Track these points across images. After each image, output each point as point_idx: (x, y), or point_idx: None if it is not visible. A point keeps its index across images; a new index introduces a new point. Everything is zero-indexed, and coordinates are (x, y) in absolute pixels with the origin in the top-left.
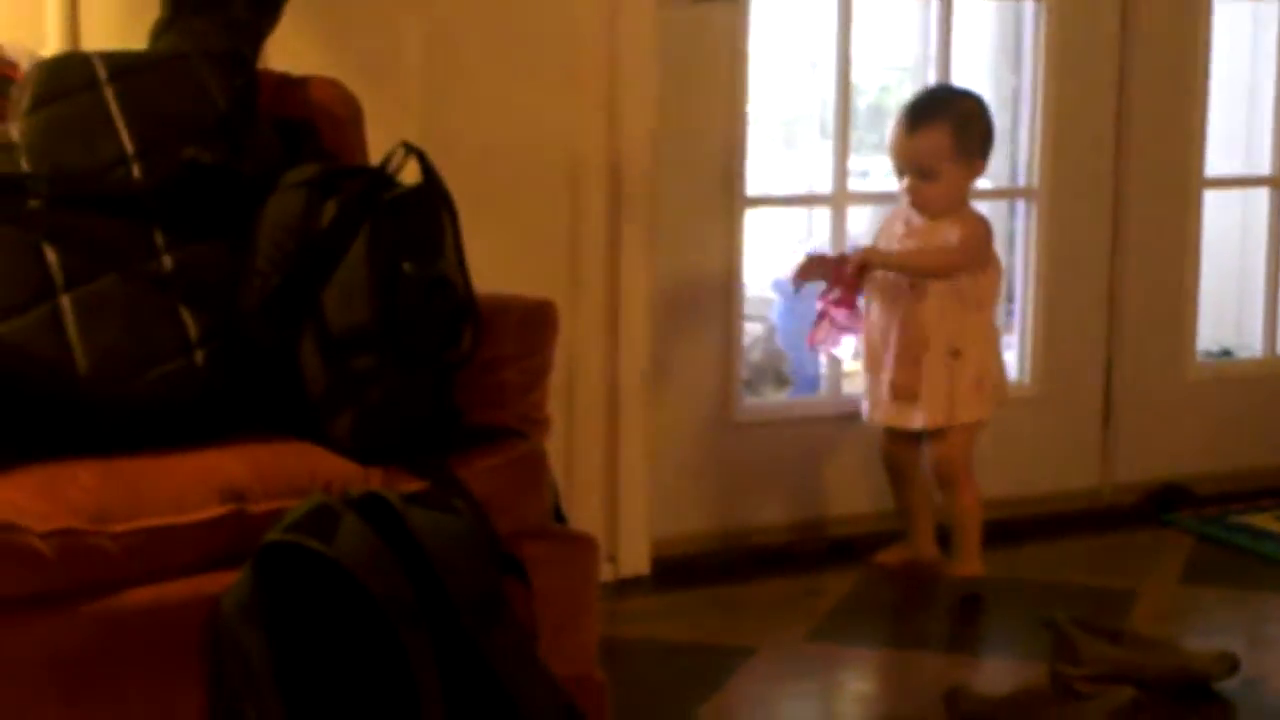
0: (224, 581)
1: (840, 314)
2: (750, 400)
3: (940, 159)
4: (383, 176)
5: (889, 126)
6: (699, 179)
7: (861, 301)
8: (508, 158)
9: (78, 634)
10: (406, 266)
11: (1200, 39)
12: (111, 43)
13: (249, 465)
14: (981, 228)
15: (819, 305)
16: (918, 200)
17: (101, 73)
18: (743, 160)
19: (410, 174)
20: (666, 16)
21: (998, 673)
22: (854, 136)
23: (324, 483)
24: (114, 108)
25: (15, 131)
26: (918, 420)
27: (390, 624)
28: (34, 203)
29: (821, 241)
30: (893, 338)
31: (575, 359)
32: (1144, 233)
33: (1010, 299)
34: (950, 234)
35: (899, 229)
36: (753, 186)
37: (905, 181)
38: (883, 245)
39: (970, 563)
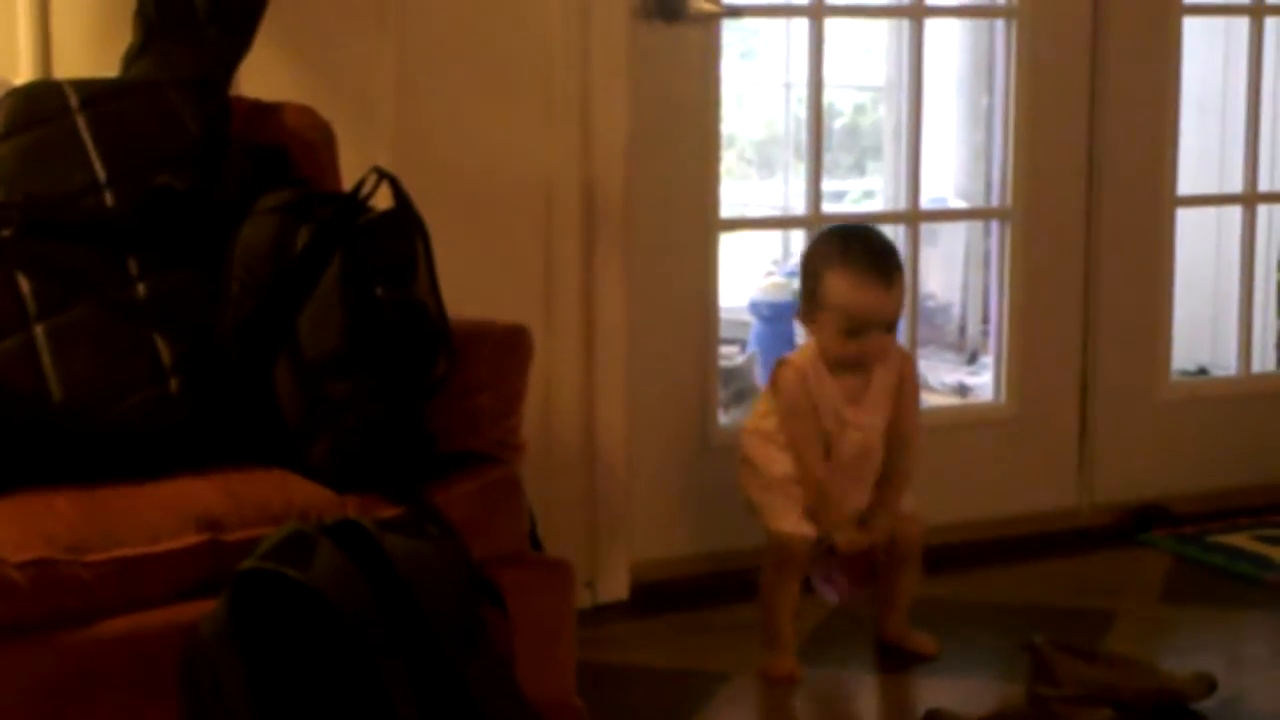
0: (200, 610)
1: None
2: (728, 423)
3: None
4: (355, 202)
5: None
6: (673, 201)
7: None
8: (481, 182)
9: (53, 663)
10: (380, 292)
11: (1171, 57)
12: (83, 70)
13: (224, 493)
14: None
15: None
16: (873, 355)
17: (73, 100)
18: (716, 182)
19: (383, 199)
20: (639, 38)
21: (976, 694)
22: (828, 158)
23: (299, 510)
24: (86, 135)
25: None
26: (908, 504)
27: (367, 651)
28: (6, 231)
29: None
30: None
31: (551, 383)
32: (1118, 251)
33: (985, 319)
34: (885, 379)
35: (840, 405)
36: (728, 208)
37: (859, 340)
38: (846, 431)
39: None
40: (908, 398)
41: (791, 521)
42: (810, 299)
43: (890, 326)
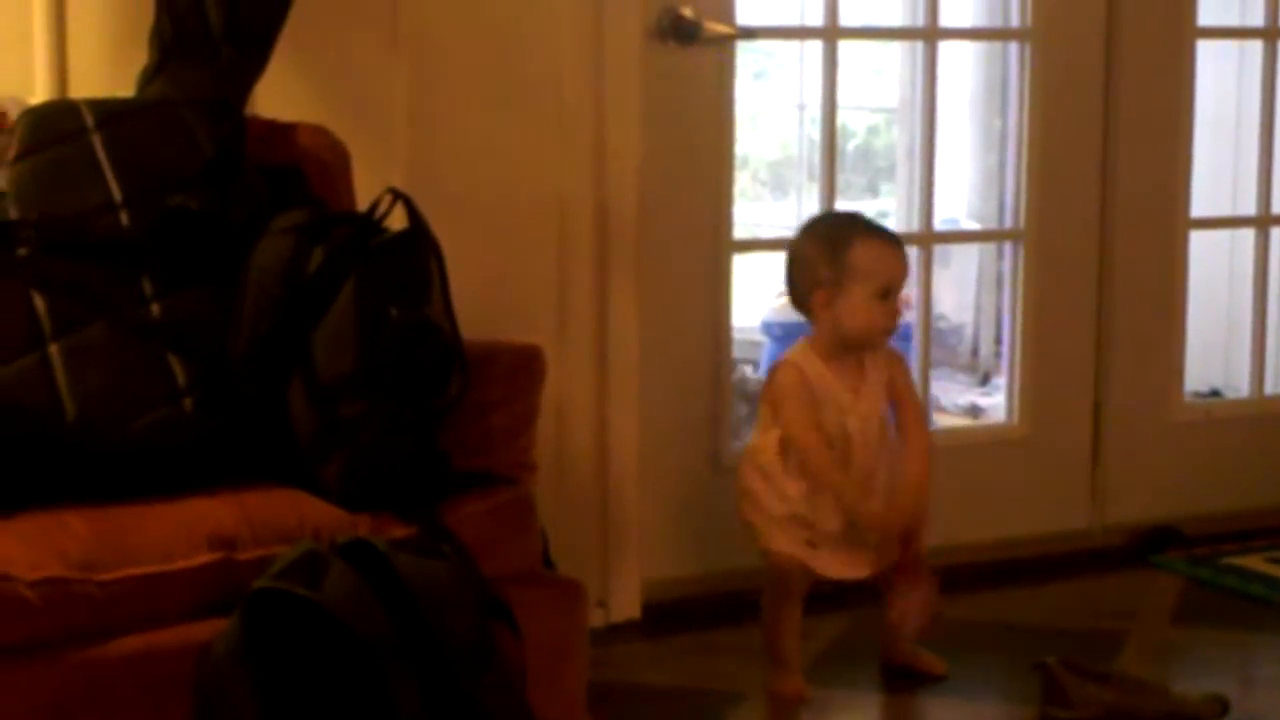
0: (213, 629)
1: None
2: (740, 443)
3: None
4: (370, 222)
5: (861, 239)
6: (686, 222)
7: None
8: (495, 203)
9: (66, 682)
10: (394, 312)
11: (1185, 79)
12: (99, 90)
13: (237, 512)
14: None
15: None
16: (896, 320)
17: (89, 120)
18: (729, 203)
19: (397, 219)
20: (653, 59)
21: (986, 715)
22: (842, 179)
23: (312, 529)
24: (101, 155)
25: (3, 179)
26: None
27: (378, 671)
28: (22, 250)
29: None
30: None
31: (563, 403)
32: (1131, 273)
33: (998, 341)
34: (878, 374)
35: (841, 396)
36: (741, 229)
37: (888, 303)
38: (848, 422)
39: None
40: (900, 387)
41: (787, 542)
42: (834, 276)
43: (901, 290)
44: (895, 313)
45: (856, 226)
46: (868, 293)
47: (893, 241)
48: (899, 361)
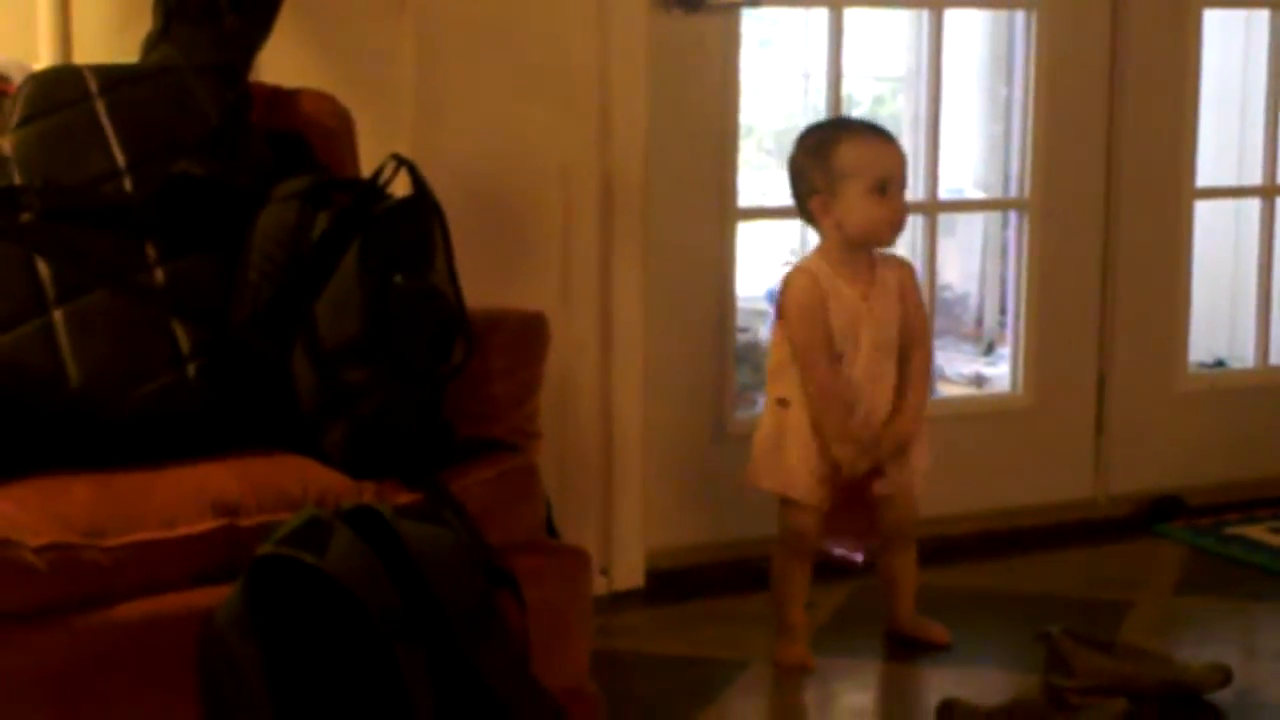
0: (216, 595)
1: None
2: (744, 413)
3: None
4: (374, 189)
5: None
6: (691, 190)
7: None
8: (499, 169)
9: (71, 648)
10: (398, 279)
11: (1191, 49)
12: (103, 56)
13: (241, 479)
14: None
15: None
16: (901, 216)
17: (93, 85)
18: (735, 172)
19: (401, 186)
20: (658, 27)
21: (991, 684)
22: None
23: (316, 496)
24: (105, 121)
25: (7, 144)
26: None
27: (382, 637)
28: (26, 216)
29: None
30: (880, 400)
31: (568, 371)
32: (1136, 243)
33: (1003, 310)
34: (889, 278)
35: (854, 304)
36: (746, 198)
37: (887, 198)
38: (860, 331)
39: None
40: (910, 299)
41: (804, 488)
42: (826, 181)
43: (903, 184)
44: (896, 208)
45: (842, 127)
46: (861, 190)
47: (881, 135)
48: (909, 269)
